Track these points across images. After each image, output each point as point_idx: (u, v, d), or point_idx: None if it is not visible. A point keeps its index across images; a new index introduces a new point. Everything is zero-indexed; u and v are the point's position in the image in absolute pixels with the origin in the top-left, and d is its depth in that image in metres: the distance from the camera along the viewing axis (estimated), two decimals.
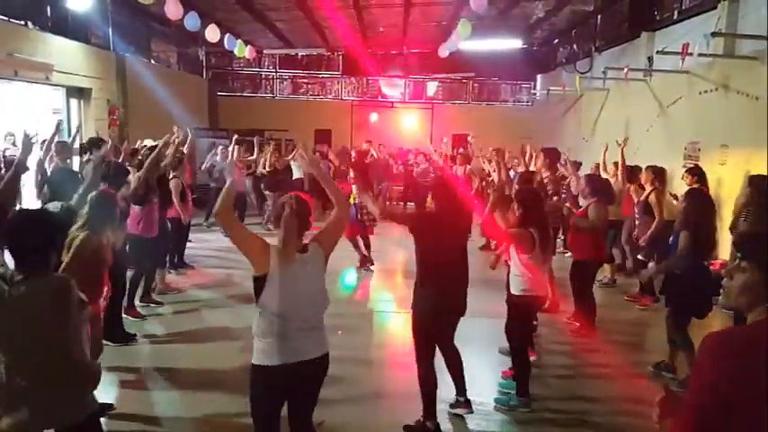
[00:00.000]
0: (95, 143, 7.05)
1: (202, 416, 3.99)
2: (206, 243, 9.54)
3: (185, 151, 8.18)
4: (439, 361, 3.89)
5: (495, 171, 6.86)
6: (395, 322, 6.17)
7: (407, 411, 3.86)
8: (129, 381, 4.53)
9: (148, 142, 9.52)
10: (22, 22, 9.11)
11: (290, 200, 2.74)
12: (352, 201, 7.55)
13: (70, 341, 2.25)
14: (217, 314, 6.16)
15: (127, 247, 5.48)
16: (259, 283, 2.67)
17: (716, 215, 4.81)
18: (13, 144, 9.04)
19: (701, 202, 4.66)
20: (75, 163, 7.68)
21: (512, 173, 7.28)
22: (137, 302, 5.99)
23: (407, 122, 17.74)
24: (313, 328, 2.77)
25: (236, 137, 10.87)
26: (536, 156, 7.98)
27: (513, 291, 4.28)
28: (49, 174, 6.00)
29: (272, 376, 2.70)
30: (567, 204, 6.80)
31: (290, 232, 2.70)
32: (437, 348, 3.88)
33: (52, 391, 2.25)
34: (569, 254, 6.83)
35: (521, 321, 4.33)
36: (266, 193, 11.28)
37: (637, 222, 6.98)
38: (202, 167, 11.07)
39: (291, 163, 12.73)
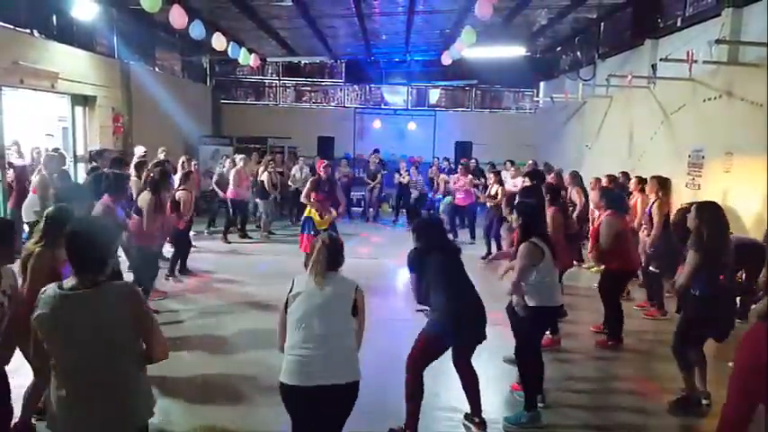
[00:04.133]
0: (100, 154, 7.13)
1: (198, 427, 3.90)
2: (207, 250, 9.55)
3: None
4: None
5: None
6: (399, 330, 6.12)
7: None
8: None
9: (138, 150, 9.59)
10: (28, 30, 9.15)
11: (324, 237, 3.08)
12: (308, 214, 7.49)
13: (141, 346, 2.43)
14: (215, 322, 6.05)
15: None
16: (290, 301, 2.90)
17: (728, 230, 4.35)
18: (19, 153, 9.10)
19: (714, 217, 4.22)
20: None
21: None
22: None
23: (410, 130, 17.77)
24: (335, 351, 2.79)
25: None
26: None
27: (528, 302, 4.15)
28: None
29: (284, 393, 2.81)
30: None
31: (317, 263, 2.93)
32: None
33: (109, 401, 2.30)
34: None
35: (531, 333, 4.23)
36: (257, 200, 11.36)
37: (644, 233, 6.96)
38: (212, 180, 11.14)
39: (292, 173, 12.82)
